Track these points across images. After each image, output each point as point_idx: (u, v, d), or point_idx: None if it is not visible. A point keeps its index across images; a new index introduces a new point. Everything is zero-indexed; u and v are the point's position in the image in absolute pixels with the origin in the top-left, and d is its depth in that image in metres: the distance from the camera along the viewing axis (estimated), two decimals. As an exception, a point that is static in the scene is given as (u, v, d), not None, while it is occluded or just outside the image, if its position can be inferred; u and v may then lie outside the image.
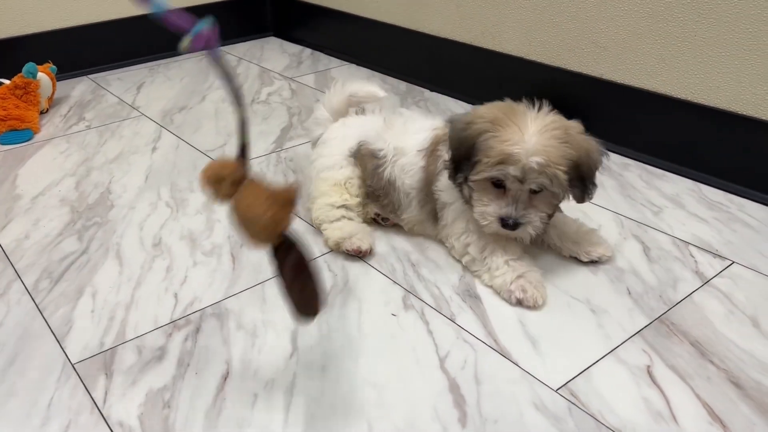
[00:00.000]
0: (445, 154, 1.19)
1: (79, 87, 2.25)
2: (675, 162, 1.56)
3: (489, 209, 1.12)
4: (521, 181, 1.08)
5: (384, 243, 1.31)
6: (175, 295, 1.18)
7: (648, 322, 1.08)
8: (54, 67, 2.05)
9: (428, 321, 1.10)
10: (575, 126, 1.13)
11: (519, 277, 1.13)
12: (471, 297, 1.16)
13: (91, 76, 2.36)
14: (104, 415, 0.93)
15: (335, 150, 1.34)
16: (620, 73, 1.62)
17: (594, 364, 1.00)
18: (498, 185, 1.11)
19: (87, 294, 1.19)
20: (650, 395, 0.95)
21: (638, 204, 1.44)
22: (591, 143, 1.13)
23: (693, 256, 1.25)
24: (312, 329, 1.08)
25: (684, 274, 1.20)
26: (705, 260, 1.24)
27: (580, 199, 1.14)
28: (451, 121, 1.17)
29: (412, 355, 1.03)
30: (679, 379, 0.97)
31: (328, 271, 1.23)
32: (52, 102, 2.07)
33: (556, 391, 0.95)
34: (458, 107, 1.99)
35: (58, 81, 2.10)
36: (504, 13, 1.85)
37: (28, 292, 1.20)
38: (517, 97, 1.83)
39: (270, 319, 1.11)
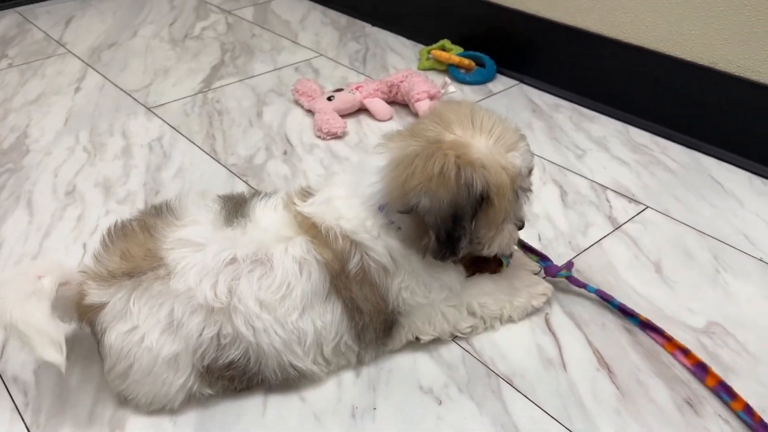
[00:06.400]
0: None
1: (4, 21, 2.14)
2: (605, 103, 1.55)
3: (514, 232, 0.93)
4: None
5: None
6: (84, 246, 1.16)
7: (553, 269, 1.09)
8: (-28, -1, 1.94)
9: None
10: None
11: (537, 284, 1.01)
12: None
13: (18, 8, 2.24)
14: (-1, 370, 0.93)
15: None
16: (554, 11, 1.58)
17: (494, 311, 1.01)
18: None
19: (-7, 245, 1.17)
20: (544, 342, 0.97)
21: (563, 147, 1.43)
22: None
23: (609, 201, 1.26)
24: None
25: (596, 220, 1.21)
26: (620, 205, 1.25)
27: None
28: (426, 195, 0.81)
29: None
30: (575, 326, 0.99)
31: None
32: (-27, 38, 1.97)
33: (452, 339, 0.97)
34: (398, 45, 1.93)
35: (-22, 15, 1.99)
36: (442, -55, 1.77)
37: (-68, 244, 1.17)
38: (455, 35, 1.80)
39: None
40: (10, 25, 2.11)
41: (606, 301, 1.01)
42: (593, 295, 1.03)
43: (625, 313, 0.99)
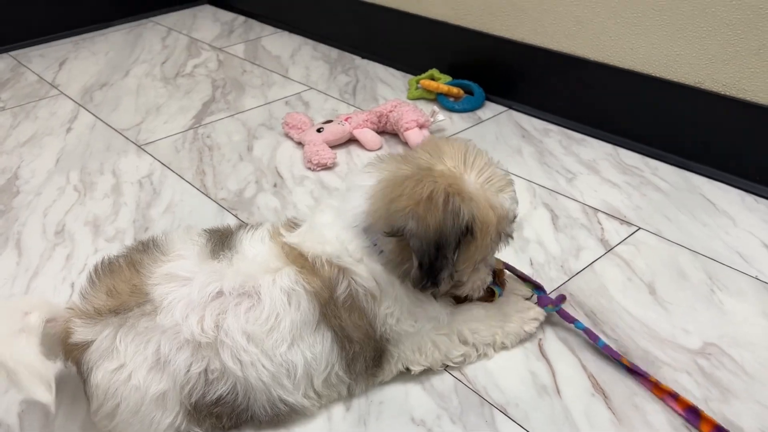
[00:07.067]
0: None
1: (-2, 65, 2.17)
2: (594, 126, 1.55)
3: (488, 277, 0.94)
4: None
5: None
6: (72, 285, 1.15)
7: (546, 294, 1.08)
8: (-34, 45, 1.97)
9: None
10: None
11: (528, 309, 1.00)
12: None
13: (12, 53, 2.26)
14: (-17, 415, 0.91)
15: None
16: (540, 36, 1.59)
17: (486, 339, 1.00)
18: None
19: (-20, 287, 1.16)
20: (538, 369, 0.95)
21: (553, 171, 1.42)
22: None
23: (600, 224, 1.25)
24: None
25: (588, 243, 1.20)
26: (611, 227, 1.24)
27: None
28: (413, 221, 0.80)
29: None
30: (569, 351, 0.97)
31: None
32: (-33, 82, 1.99)
33: (444, 369, 0.95)
34: (388, 75, 1.95)
35: (-28, 60, 2.02)
36: (427, -23, 1.80)
37: None
38: (444, 64, 1.81)
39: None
40: (3, 68, 2.13)
41: (592, 341, 0.97)
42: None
43: (610, 355, 0.95)
